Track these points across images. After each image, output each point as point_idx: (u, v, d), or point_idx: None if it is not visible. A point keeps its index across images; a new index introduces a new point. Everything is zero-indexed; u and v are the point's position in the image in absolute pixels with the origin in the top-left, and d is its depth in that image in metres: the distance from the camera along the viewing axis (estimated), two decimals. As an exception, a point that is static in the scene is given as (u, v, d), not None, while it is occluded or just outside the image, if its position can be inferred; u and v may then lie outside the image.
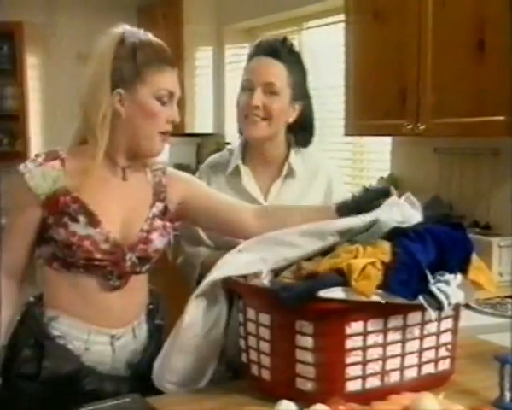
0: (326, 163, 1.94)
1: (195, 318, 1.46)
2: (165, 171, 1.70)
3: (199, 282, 1.51)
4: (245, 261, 1.44)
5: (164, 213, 1.63)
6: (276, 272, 1.43)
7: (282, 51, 1.78)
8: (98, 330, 1.56)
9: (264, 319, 1.39)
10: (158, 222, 1.60)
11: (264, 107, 1.75)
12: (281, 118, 1.79)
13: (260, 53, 1.80)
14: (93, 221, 1.52)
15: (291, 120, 1.81)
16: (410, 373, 1.40)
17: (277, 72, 1.77)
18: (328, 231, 1.44)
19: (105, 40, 1.56)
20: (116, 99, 1.52)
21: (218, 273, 1.45)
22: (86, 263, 1.52)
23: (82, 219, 1.51)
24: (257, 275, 1.41)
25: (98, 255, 1.51)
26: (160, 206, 1.63)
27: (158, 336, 1.66)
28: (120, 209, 1.57)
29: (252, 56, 1.82)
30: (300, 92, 1.82)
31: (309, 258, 1.44)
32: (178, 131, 5.00)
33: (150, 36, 1.60)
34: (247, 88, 1.79)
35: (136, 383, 1.57)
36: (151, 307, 1.69)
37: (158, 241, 1.59)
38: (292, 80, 1.78)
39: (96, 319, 1.56)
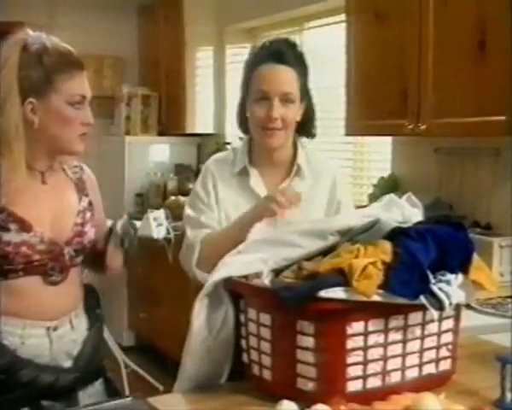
0: (328, 162, 1.95)
1: (202, 321, 1.48)
2: (83, 168, 1.76)
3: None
4: (245, 262, 1.44)
5: (90, 205, 1.71)
6: (277, 272, 1.43)
7: (290, 55, 1.77)
8: (33, 324, 1.59)
9: (265, 319, 1.39)
10: (88, 214, 1.68)
11: (282, 117, 1.75)
12: (294, 123, 1.80)
13: (269, 59, 1.76)
14: (25, 226, 1.55)
15: (298, 118, 1.81)
16: (411, 373, 1.40)
17: (290, 79, 1.76)
18: (329, 230, 1.44)
19: (7, 48, 1.54)
20: (28, 109, 1.53)
21: (219, 274, 1.45)
22: (26, 266, 1.56)
23: (13, 226, 1.54)
24: (258, 275, 1.41)
25: (37, 256, 1.56)
26: (85, 200, 1.70)
27: (98, 326, 1.72)
28: (47, 210, 1.61)
29: (259, 62, 1.78)
30: (305, 91, 1.82)
31: (309, 258, 1.44)
32: (179, 130, 5.03)
33: (55, 40, 1.60)
34: (263, 98, 1.76)
35: (77, 374, 1.62)
36: (90, 298, 1.74)
37: (91, 232, 1.67)
38: (300, 82, 1.78)
39: (32, 314, 1.59)
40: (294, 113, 1.78)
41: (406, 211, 1.49)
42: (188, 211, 1.84)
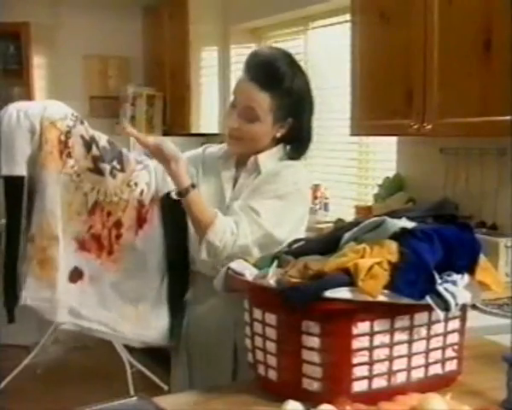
0: (296, 165, 1.84)
1: None
2: None
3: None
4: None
5: None
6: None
7: (268, 79, 1.74)
8: None
9: (271, 319, 1.38)
10: None
11: (241, 129, 1.77)
12: (261, 139, 1.79)
13: (247, 74, 1.77)
14: None
15: (279, 135, 1.81)
16: (417, 374, 1.40)
17: (258, 99, 1.75)
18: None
19: None
20: None
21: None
22: None
23: None
24: (264, 275, 1.41)
25: None
26: None
27: None
28: None
29: (243, 71, 1.80)
30: (289, 113, 1.78)
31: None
32: (184, 130, 5.03)
33: None
34: (232, 105, 1.81)
35: None
36: None
37: None
38: (276, 105, 1.75)
39: None
40: (259, 130, 1.77)
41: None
42: None
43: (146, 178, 1.84)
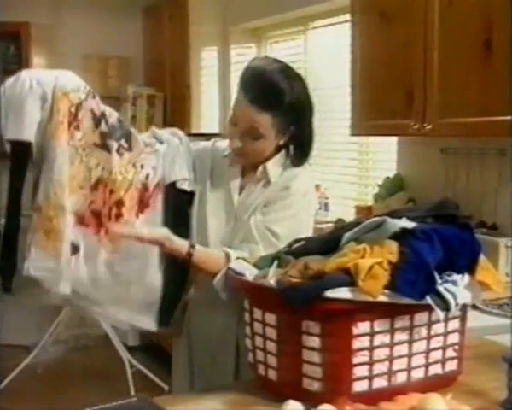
0: (303, 174, 1.82)
1: None
2: None
3: None
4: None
5: None
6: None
7: (269, 100, 1.70)
8: None
9: (271, 319, 1.38)
10: None
11: (245, 147, 1.73)
12: (265, 152, 1.77)
13: (246, 95, 1.71)
14: None
15: (282, 142, 1.78)
16: (417, 374, 1.40)
17: (260, 120, 1.71)
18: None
19: None
20: None
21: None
22: None
23: None
24: (264, 275, 1.41)
25: None
26: None
27: None
28: None
29: (241, 88, 1.74)
30: (290, 123, 1.75)
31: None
32: (184, 130, 5.02)
33: None
34: (233, 123, 1.75)
35: None
36: None
37: None
38: (278, 121, 1.72)
39: None
40: (262, 147, 1.74)
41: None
42: None
43: (153, 162, 1.83)
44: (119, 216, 1.76)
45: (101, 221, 1.75)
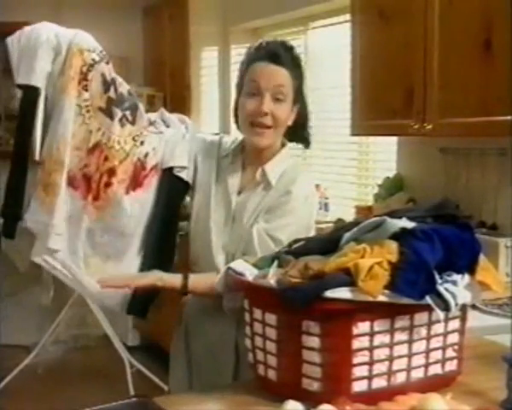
0: (303, 177, 1.83)
1: None
2: None
3: None
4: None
5: None
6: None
7: (285, 57, 1.76)
8: None
9: (271, 319, 1.38)
10: None
11: (272, 114, 1.73)
12: (285, 124, 1.78)
13: (263, 58, 1.76)
14: None
15: (290, 122, 1.79)
16: (417, 374, 1.39)
17: (284, 78, 1.74)
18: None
19: None
20: None
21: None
22: None
23: None
24: (264, 275, 1.41)
25: None
26: None
27: None
28: None
29: (253, 61, 1.78)
30: (299, 95, 1.80)
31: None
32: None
33: None
34: (253, 93, 1.75)
35: None
36: None
37: None
38: (294, 85, 1.77)
39: None
40: (286, 112, 1.75)
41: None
42: None
43: (155, 143, 1.82)
44: (108, 185, 1.74)
45: (91, 187, 1.74)
